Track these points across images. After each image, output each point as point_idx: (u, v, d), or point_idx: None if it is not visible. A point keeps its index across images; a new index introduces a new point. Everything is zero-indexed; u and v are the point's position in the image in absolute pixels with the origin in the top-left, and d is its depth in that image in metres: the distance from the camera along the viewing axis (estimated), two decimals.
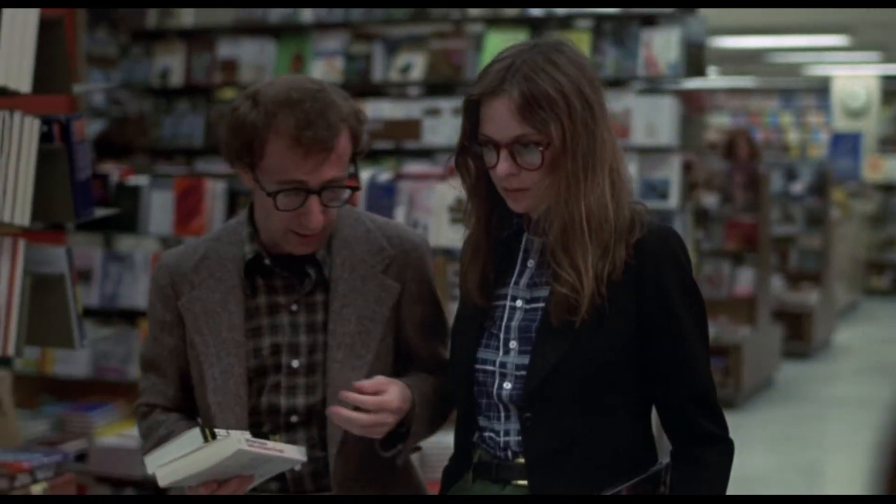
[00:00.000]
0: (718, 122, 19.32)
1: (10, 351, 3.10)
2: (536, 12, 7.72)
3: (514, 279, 2.53)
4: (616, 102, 7.31)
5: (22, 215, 3.08)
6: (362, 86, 8.09)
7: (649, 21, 7.43)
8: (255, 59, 8.39)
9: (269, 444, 2.52)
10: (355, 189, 2.69)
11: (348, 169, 2.66)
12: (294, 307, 2.74)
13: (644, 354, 2.44)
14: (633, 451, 2.48)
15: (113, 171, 6.19)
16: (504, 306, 2.52)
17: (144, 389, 2.82)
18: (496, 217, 2.54)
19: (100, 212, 3.68)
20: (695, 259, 8.32)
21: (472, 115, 2.47)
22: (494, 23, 7.83)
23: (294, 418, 2.71)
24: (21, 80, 3.05)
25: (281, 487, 2.72)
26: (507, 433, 2.50)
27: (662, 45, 7.31)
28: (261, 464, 2.54)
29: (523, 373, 2.46)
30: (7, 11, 3.00)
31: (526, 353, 2.47)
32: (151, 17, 8.72)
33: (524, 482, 2.47)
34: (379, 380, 2.58)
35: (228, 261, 2.75)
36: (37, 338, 3.25)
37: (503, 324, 2.51)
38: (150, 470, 2.54)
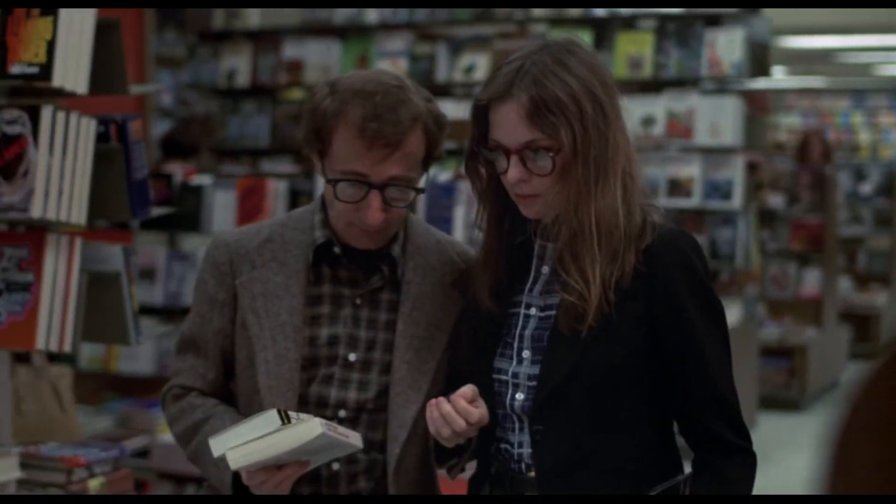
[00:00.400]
0: (789, 123, 19.19)
1: (67, 347, 3.15)
2: (600, 12, 7.72)
3: (528, 286, 2.47)
4: (679, 103, 7.30)
5: (79, 214, 3.13)
6: (426, 86, 8.09)
7: (713, 21, 7.41)
8: (320, 59, 8.45)
9: (340, 428, 2.48)
10: (418, 191, 2.62)
11: (419, 171, 2.61)
12: (358, 300, 2.69)
13: (657, 361, 2.36)
14: (652, 464, 2.40)
15: (177, 170, 6.27)
16: (518, 314, 2.47)
17: (179, 371, 2.74)
18: (508, 222, 2.48)
19: (156, 211, 3.72)
20: (759, 260, 8.29)
21: (480, 119, 2.41)
22: (558, 23, 7.83)
23: (342, 413, 2.65)
24: (78, 81, 3.10)
25: (313, 490, 2.66)
26: (520, 445, 2.44)
27: (726, 45, 7.28)
28: (325, 449, 2.49)
29: (534, 383, 2.40)
30: (64, 15, 3.05)
31: (538, 362, 2.41)
32: (218, 19, 8.81)
33: (536, 495, 2.41)
34: (475, 389, 2.46)
35: (294, 245, 2.71)
36: (93, 334, 3.30)
37: (517, 332, 2.46)
38: (216, 452, 2.46)
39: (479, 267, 2.52)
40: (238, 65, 8.72)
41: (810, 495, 0.85)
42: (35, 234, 3.18)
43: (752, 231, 7.39)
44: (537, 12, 7.93)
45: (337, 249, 2.68)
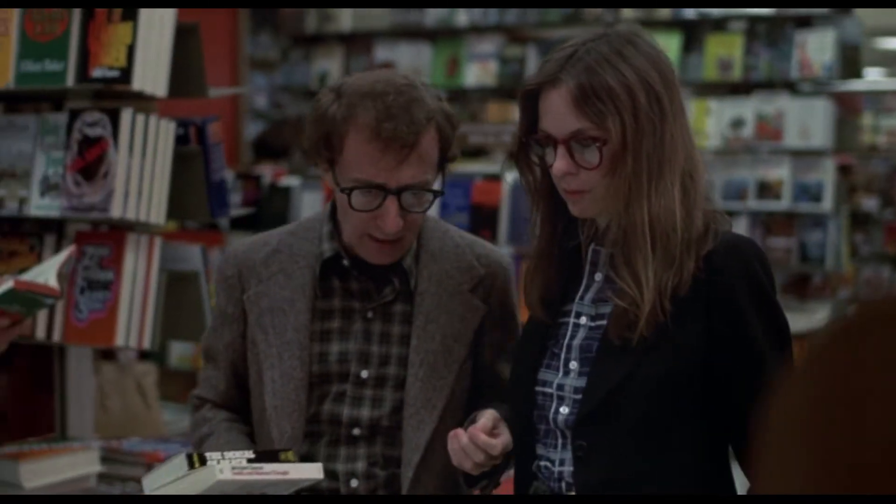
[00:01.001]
0: (888, 125, 18.92)
1: (146, 344, 3.22)
2: (689, 14, 7.69)
3: (580, 294, 2.30)
4: (769, 104, 7.26)
5: (158, 215, 3.19)
6: (515, 89, 8.14)
7: (803, 22, 7.36)
8: (411, 62, 8.51)
9: (269, 467, 2.30)
10: (438, 194, 2.50)
11: (435, 173, 2.50)
12: (370, 314, 2.57)
13: (714, 378, 2.18)
14: (703, 488, 2.22)
15: (267, 172, 6.35)
16: (568, 323, 2.30)
17: (201, 380, 2.71)
18: (562, 224, 2.32)
19: (236, 211, 3.79)
20: (851, 263, 8.21)
21: (529, 108, 2.25)
22: (647, 25, 7.81)
23: (356, 431, 2.55)
24: (157, 84, 3.17)
25: None
26: (562, 462, 2.26)
27: (817, 46, 7.22)
28: (264, 489, 2.36)
29: (580, 396, 2.23)
30: (144, 20, 3.12)
31: (586, 374, 2.24)
32: (311, 22, 8.91)
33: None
34: (496, 416, 2.32)
35: (301, 257, 2.60)
36: (173, 332, 3.38)
37: (565, 342, 2.29)
38: (146, 492, 2.38)
39: (529, 272, 2.37)
40: (330, 67, 8.81)
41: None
42: (116, 233, 3.26)
43: (843, 234, 7.32)
44: (627, 13, 7.92)
45: (346, 262, 2.57)
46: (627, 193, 2.17)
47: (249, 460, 2.30)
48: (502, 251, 2.96)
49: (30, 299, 2.77)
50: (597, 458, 2.22)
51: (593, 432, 2.21)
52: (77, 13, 3.18)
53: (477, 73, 8.26)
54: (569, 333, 2.29)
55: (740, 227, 6.83)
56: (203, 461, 2.27)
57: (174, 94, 3.21)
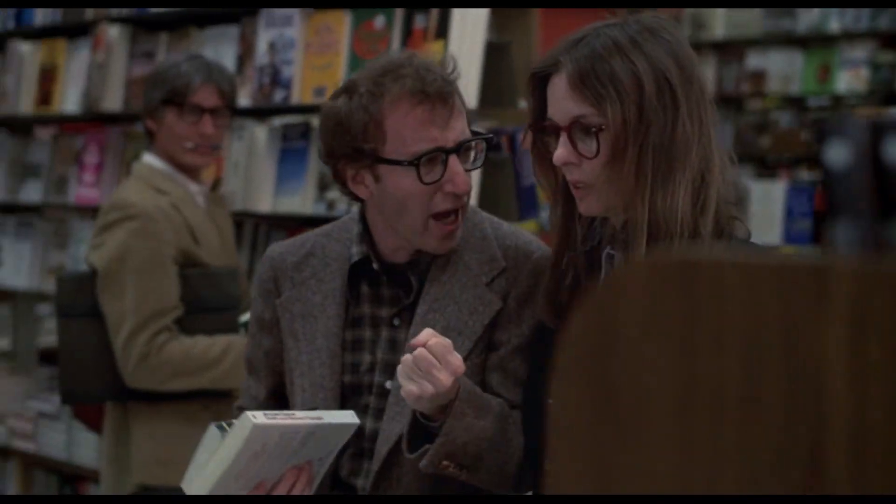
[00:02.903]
0: None
1: None
2: None
3: None
4: None
5: None
6: (887, 95, 8.05)
7: None
8: (782, 69, 8.53)
9: (301, 413, 2.20)
10: (489, 141, 2.37)
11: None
12: (396, 321, 2.41)
13: None
14: None
15: None
16: None
17: (242, 391, 2.60)
18: (582, 225, 2.18)
19: (545, 214, 4.03)
20: None
21: (538, 95, 2.13)
22: None
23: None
24: (467, 97, 3.44)
25: None
26: None
27: None
28: (305, 443, 2.21)
29: None
30: (455, 39, 3.41)
31: None
32: (685, 29, 9.05)
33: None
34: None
35: (333, 260, 2.46)
36: None
37: None
38: (187, 492, 2.23)
39: (545, 274, 2.24)
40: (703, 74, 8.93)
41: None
42: None
43: None
44: None
45: (375, 265, 2.41)
46: (632, 188, 2.03)
47: (266, 412, 2.17)
48: None
49: None
50: None
51: None
52: (397, 32, 3.50)
53: (847, 80, 8.20)
54: None
55: None
56: (230, 425, 2.15)
57: (485, 105, 3.47)
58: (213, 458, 2.15)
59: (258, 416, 2.10)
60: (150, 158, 3.65)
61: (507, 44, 3.54)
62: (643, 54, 2.02)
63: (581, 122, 2.03)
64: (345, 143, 2.32)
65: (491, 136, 2.39)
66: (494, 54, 3.50)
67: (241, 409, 2.40)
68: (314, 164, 3.90)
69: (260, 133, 4.14)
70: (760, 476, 0.88)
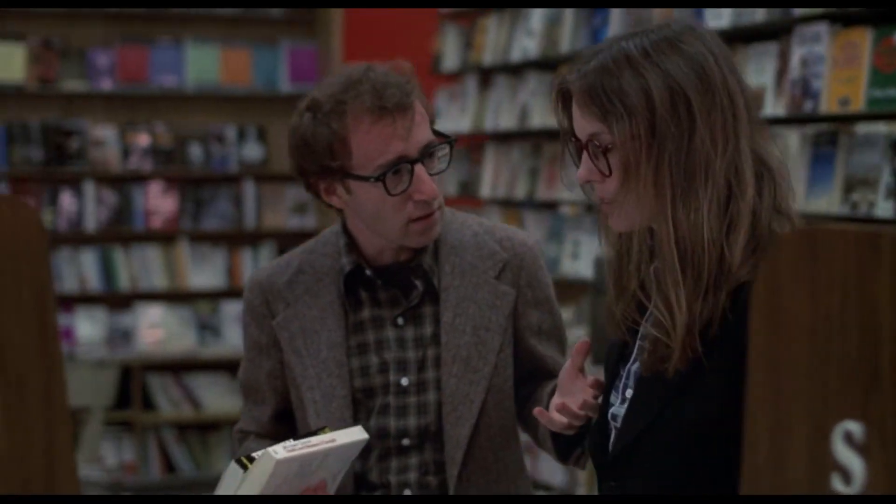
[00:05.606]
0: None
1: None
2: None
3: (647, 315, 2.05)
4: None
5: None
6: None
7: None
8: None
9: (315, 439, 2.24)
10: (451, 143, 2.50)
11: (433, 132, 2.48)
12: (400, 320, 2.53)
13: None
14: None
15: None
16: (636, 345, 2.09)
17: (242, 415, 2.66)
18: (636, 240, 2.11)
19: None
20: None
21: (566, 111, 2.09)
22: None
23: (406, 441, 2.51)
24: None
25: None
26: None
27: None
28: (320, 464, 2.26)
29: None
30: None
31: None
32: None
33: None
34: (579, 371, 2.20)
35: (324, 274, 2.56)
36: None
37: (628, 366, 2.10)
38: None
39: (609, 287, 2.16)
40: None
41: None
42: None
43: None
44: None
45: (369, 272, 2.53)
46: (655, 205, 1.98)
47: (286, 446, 2.21)
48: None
49: None
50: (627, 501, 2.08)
51: (624, 474, 2.06)
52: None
53: None
54: (633, 356, 2.10)
55: None
56: (251, 460, 2.19)
57: None
58: (238, 491, 2.19)
59: (279, 451, 2.16)
60: None
61: None
62: (656, 66, 1.96)
63: (595, 140, 2.00)
64: (312, 161, 2.46)
65: (452, 138, 2.52)
66: None
67: (243, 433, 2.64)
68: (841, 168, 4.23)
69: (792, 139, 4.52)
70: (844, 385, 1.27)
